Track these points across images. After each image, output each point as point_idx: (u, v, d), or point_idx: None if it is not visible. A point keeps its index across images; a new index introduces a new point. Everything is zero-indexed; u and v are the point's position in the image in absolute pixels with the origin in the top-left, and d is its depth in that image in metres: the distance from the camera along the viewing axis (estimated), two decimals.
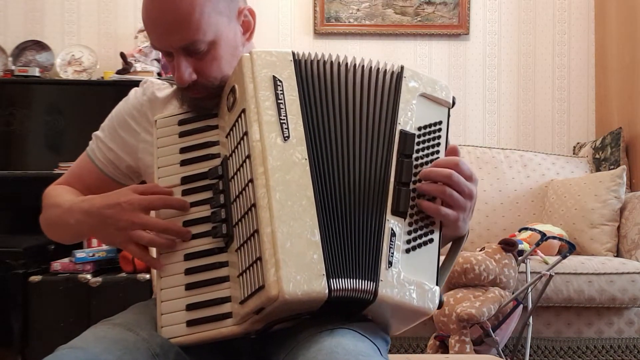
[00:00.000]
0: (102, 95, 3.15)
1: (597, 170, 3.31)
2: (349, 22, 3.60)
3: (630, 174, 3.18)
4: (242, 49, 1.06)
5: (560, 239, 2.50)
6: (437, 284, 0.91)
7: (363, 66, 0.98)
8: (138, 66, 3.25)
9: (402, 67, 0.99)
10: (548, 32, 3.70)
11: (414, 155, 0.94)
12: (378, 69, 0.99)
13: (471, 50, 3.68)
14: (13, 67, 3.33)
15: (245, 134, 0.90)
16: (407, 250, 0.90)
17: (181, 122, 1.04)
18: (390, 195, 0.91)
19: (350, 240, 0.88)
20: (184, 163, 1.00)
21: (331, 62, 0.97)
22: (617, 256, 2.85)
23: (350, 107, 0.96)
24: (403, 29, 3.62)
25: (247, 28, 1.08)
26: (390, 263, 0.87)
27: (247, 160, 0.89)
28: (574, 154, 3.59)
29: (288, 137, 0.88)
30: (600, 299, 2.60)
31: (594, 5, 3.68)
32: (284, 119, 0.89)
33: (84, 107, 3.19)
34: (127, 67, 3.23)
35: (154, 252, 0.99)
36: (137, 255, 0.97)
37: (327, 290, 0.81)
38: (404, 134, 0.94)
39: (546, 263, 2.55)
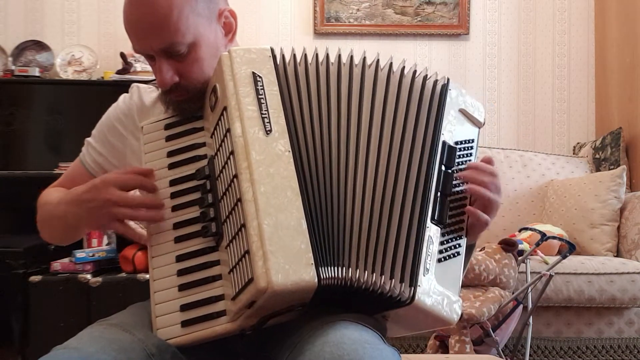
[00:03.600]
0: (102, 95, 3.09)
1: (597, 170, 3.31)
2: (349, 22, 3.60)
3: (630, 174, 3.18)
4: (223, 50, 1.06)
5: (560, 239, 2.49)
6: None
7: (391, 65, 1.02)
8: (138, 66, 3.25)
9: (448, 79, 1.01)
10: (548, 32, 3.70)
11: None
12: (426, 74, 1.01)
13: (471, 50, 3.68)
14: (13, 67, 3.32)
15: (228, 130, 0.91)
16: (439, 260, 0.91)
17: (167, 126, 1.05)
18: (431, 202, 0.92)
19: (341, 230, 0.89)
20: (172, 166, 1.01)
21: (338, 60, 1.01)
22: (617, 256, 2.85)
23: (354, 102, 0.97)
24: (403, 29, 3.62)
25: (229, 29, 1.08)
26: (427, 270, 0.88)
27: (231, 156, 0.89)
28: (574, 154, 3.58)
29: (270, 130, 0.89)
30: (600, 299, 2.59)
31: (594, 5, 3.68)
32: (265, 114, 0.90)
33: (84, 107, 3.18)
34: (127, 67, 3.23)
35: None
36: (122, 232, 0.99)
37: (316, 279, 0.81)
38: (447, 146, 0.97)
39: (546, 263, 2.55)
